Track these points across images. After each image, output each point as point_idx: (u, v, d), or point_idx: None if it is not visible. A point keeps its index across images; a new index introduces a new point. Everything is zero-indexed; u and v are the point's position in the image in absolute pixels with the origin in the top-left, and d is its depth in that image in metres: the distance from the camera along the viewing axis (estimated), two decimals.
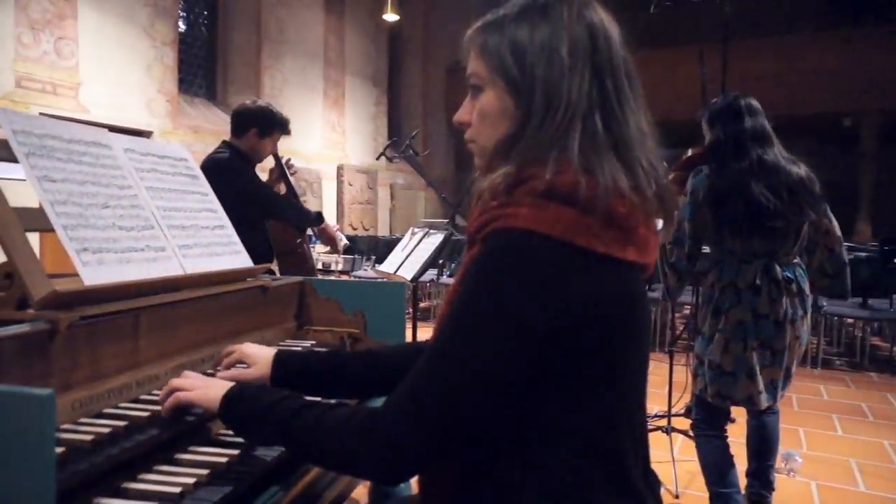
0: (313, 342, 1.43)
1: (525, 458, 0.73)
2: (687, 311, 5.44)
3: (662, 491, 2.57)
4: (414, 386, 0.72)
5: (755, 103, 1.97)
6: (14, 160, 0.95)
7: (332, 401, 1.11)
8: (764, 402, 1.94)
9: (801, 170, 1.90)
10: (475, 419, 0.71)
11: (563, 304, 0.69)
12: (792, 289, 1.93)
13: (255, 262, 1.37)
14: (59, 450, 0.72)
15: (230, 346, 1.10)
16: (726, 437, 2.07)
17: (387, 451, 0.71)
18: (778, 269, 1.92)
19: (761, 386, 1.93)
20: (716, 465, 2.05)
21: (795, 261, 1.98)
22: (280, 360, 1.03)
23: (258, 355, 1.04)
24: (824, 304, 4.70)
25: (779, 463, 2.51)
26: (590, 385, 0.73)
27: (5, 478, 0.54)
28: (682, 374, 3.30)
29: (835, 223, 2.02)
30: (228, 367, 1.06)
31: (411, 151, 3.04)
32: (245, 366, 1.05)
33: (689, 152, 2.22)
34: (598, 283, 0.70)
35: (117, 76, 6.49)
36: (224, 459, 0.85)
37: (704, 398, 2.01)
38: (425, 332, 3.95)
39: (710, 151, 1.99)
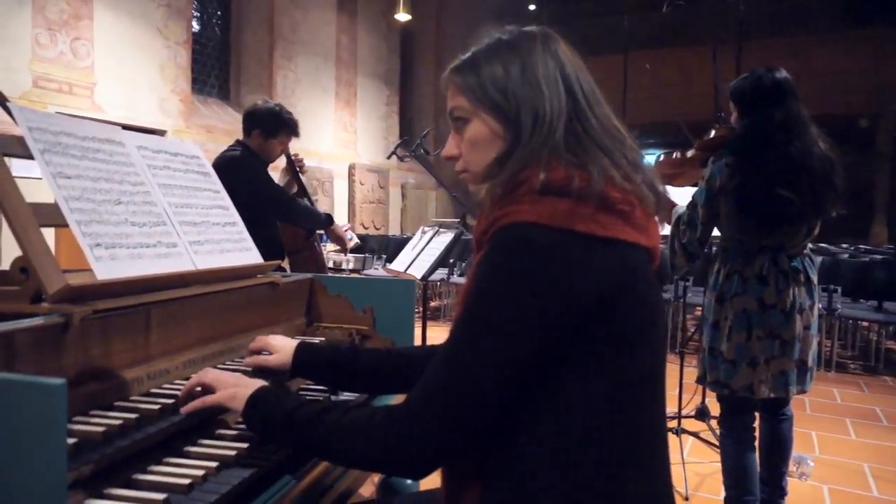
0: (322, 339, 1.44)
1: (544, 446, 0.75)
2: (699, 313, 5.40)
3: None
4: (436, 378, 0.75)
5: (784, 78, 1.87)
6: (30, 157, 0.97)
7: (344, 398, 1.16)
8: (766, 392, 1.91)
9: (826, 163, 1.84)
10: (497, 403, 0.74)
11: (571, 286, 0.72)
12: (800, 279, 1.91)
13: (265, 258, 1.38)
14: (71, 441, 0.73)
15: (259, 336, 1.15)
16: (753, 439, 2.04)
17: (414, 444, 0.74)
18: (786, 259, 1.90)
19: (763, 375, 1.91)
20: (737, 470, 2.01)
21: (805, 251, 1.96)
22: (301, 350, 1.09)
23: (281, 345, 1.10)
24: (839, 306, 4.65)
25: (791, 466, 2.48)
26: (604, 369, 0.75)
27: (18, 466, 0.55)
28: (693, 376, 3.28)
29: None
30: (253, 354, 1.12)
31: (422, 151, 3.05)
32: (268, 354, 1.11)
33: (712, 133, 2.17)
34: (604, 263, 0.74)
35: (131, 76, 6.56)
36: (233, 452, 0.86)
37: (725, 394, 1.98)
38: (435, 331, 3.95)
39: (738, 142, 1.93)
